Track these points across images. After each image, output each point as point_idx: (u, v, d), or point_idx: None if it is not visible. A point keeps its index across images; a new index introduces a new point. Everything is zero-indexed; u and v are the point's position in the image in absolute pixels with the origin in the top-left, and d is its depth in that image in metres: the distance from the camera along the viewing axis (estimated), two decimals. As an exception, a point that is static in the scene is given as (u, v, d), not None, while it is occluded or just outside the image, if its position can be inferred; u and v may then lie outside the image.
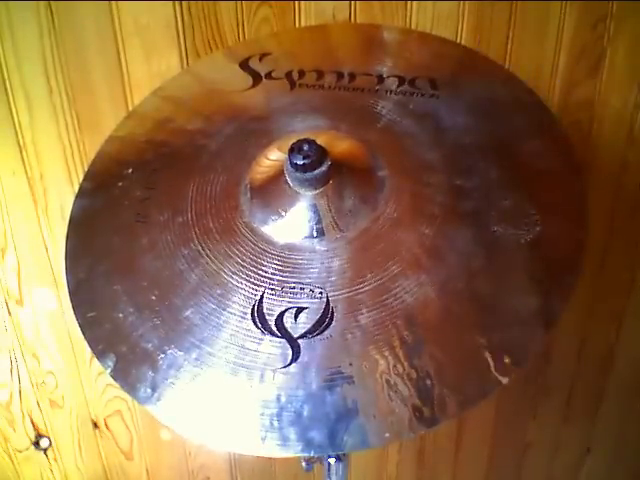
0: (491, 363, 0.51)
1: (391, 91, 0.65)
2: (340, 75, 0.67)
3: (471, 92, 0.66)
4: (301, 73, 0.68)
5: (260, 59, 0.70)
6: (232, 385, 0.53)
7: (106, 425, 1.03)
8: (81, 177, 0.84)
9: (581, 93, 0.93)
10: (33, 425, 1.01)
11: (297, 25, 0.82)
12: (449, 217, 0.57)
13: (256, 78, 0.68)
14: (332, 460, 0.71)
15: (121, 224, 0.63)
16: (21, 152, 0.82)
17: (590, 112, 0.95)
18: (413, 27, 0.85)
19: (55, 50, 0.77)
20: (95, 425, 1.03)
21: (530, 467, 1.26)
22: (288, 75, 0.68)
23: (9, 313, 0.92)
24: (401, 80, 0.65)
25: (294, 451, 0.50)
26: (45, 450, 1.04)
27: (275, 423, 0.51)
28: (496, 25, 0.87)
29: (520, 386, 1.14)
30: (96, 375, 0.98)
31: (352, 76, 0.67)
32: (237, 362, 0.53)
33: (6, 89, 0.78)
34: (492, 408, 1.16)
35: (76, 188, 0.85)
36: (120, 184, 0.65)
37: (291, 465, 1.12)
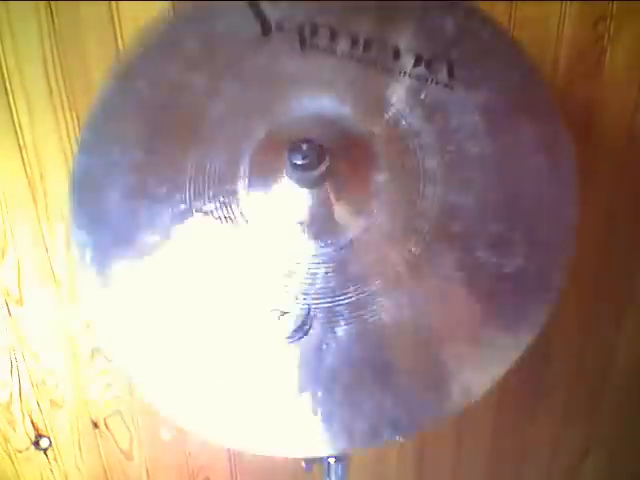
0: (449, 392, 0.52)
1: (405, 72, 0.61)
2: (355, 41, 0.62)
3: (487, 88, 0.62)
4: (314, 29, 0.63)
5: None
6: (210, 372, 0.55)
7: (106, 425, 1.03)
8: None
9: (581, 93, 0.93)
10: (33, 425, 1.01)
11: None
12: (437, 236, 0.56)
13: (265, 27, 0.63)
14: (332, 460, 0.71)
15: (117, 192, 0.61)
16: (21, 152, 0.82)
17: (590, 112, 0.95)
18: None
19: (55, 50, 0.77)
20: (95, 425, 1.03)
21: (530, 467, 1.26)
22: (300, 30, 0.63)
23: (9, 313, 0.92)
24: (418, 59, 0.62)
25: (237, 444, 0.52)
26: (45, 450, 1.04)
27: (234, 413, 0.53)
28: (496, 25, 0.87)
29: (520, 386, 1.14)
30: (96, 375, 0.98)
31: (367, 44, 0.62)
32: (225, 343, 0.55)
33: (6, 89, 0.78)
34: (492, 408, 1.16)
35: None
36: (119, 141, 0.62)
37: (291, 465, 1.11)
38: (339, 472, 0.72)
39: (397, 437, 0.50)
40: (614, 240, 1.05)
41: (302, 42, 0.62)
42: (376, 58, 0.62)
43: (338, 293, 0.54)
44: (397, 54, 0.62)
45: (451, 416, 0.52)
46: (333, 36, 0.62)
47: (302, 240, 0.56)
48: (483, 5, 0.85)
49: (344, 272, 0.55)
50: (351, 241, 0.56)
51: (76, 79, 0.80)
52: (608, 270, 1.06)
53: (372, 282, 0.54)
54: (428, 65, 0.62)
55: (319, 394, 0.52)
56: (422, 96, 0.61)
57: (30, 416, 1.00)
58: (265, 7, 0.63)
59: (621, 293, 1.10)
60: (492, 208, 0.58)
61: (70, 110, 0.81)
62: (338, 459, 0.71)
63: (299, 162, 0.55)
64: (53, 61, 0.78)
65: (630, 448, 1.26)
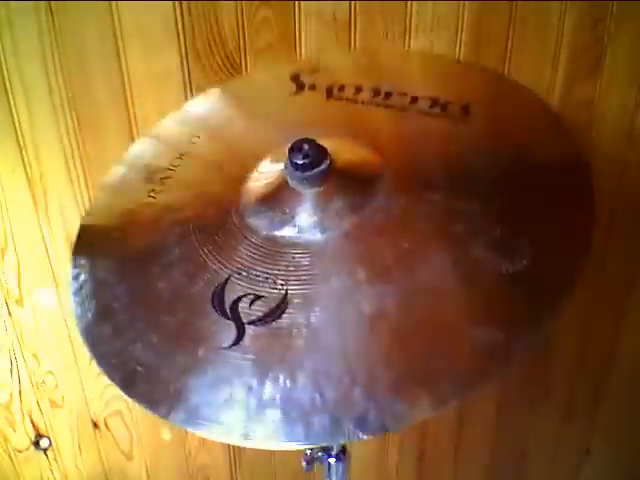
0: (421, 395, 0.49)
1: (421, 111, 0.65)
2: (377, 92, 0.67)
3: (501, 123, 0.65)
4: (341, 88, 0.69)
5: (312, 72, 0.72)
6: (172, 353, 0.54)
7: (106, 425, 1.03)
8: (81, 177, 0.85)
9: (581, 93, 0.93)
10: (33, 425, 1.01)
11: (297, 25, 0.82)
12: (435, 236, 0.55)
13: (299, 88, 0.70)
14: (332, 460, 0.71)
15: (135, 196, 0.65)
16: (21, 152, 0.82)
17: (590, 112, 0.95)
18: (413, 28, 0.85)
19: (55, 50, 0.77)
20: (95, 425, 1.03)
21: (530, 468, 1.26)
22: (328, 88, 0.69)
23: (9, 313, 0.92)
24: (434, 102, 0.65)
25: (203, 430, 0.51)
26: (45, 450, 1.04)
27: (193, 397, 0.52)
28: (496, 26, 0.87)
29: (520, 386, 1.14)
30: (96, 375, 0.98)
31: (388, 94, 0.67)
32: (182, 332, 0.54)
33: (6, 89, 0.78)
34: (492, 408, 1.17)
35: (76, 188, 0.85)
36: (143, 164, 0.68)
37: (291, 465, 1.12)
38: (339, 472, 0.72)
39: (361, 435, 0.49)
40: (614, 240, 1.05)
41: (329, 95, 0.68)
42: (394, 103, 0.66)
43: (319, 280, 0.54)
44: (415, 100, 0.66)
45: (420, 418, 0.50)
46: (357, 91, 0.68)
47: (293, 232, 0.57)
48: (484, 6, 0.85)
49: (329, 262, 0.55)
50: (342, 234, 0.56)
51: (76, 79, 0.80)
52: (608, 270, 1.07)
53: (357, 273, 0.54)
54: (444, 107, 0.64)
55: (280, 379, 0.50)
56: (435, 126, 0.63)
57: (30, 416, 1.00)
58: (304, 77, 0.71)
59: (621, 293, 1.10)
60: (498, 215, 0.57)
61: (70, 110, 0.81)
62: (339, 459, 0.71)
63: (299, 161, 0.55)
64: (53, 61, 0.78)
65: (630, 448, 1.27)
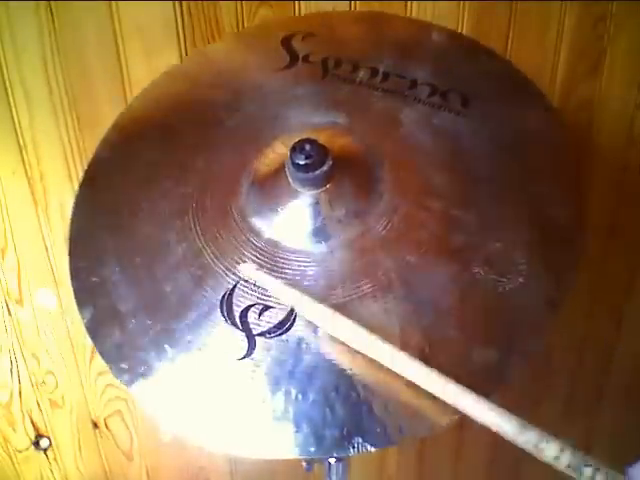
0: (429, 406, 0.50)
1: (420, 100, 0.63)
2: (374, 72, 0.66)
3: (500, 118, 0.64)
4: (337, 62, 0.67)
5: (303, 38, 0.69)
6: (184, 363, 0.54)
7: (106, 425, 1.03)
8: (81, 177, 0.85)
9: (581, 93, 0.94)
10: (33, 425, 1.01)
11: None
12: (435, 248, 0.55)
13: (293, 59, 0.68)
14: (332, 460, 0.71)
15: (129, 182, 0.64)
16: (21, 152, 0.82)
17: (590, 112, 0.95)
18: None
19: (55, 50, 0.77)
20: (95, 425, 1.03)
21: (530, 467, 1.26)
22: (324, 62, 0.67)
23: (9, 313, 0.92)
24: (433, 90, 0.64)
25: (202, 442, 0.52)
26: (45, 450, 1.04)
27: (203, 409, 0.52)
28: (496, 25, 0.87)
29: (520, 385, 1.14)
30: (96, 375, 0.98)
31: (386, 75, 0.65)
32: (194, 342, 0.54)
33: (6, 89, 0.78)
34: (492, 408, 1.16)
35: (76, 188, 0.85)
36: (140, 140, 0.66)
37: (291, 465, 1.11)
38: (340, 472, 0.71)
39: (369, 447, 0.49)
40: (614, 240, 1.05)
41: (325, 72, 0.66)
42: (393, 87, 0.65)
43: (325, 293, 0.53)
44: (414, 84, 0.65)
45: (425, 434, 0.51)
46: (355, 68, 0.66)
47: (296, 236, 0.56)
48: (484, 6, 0.85)
49: (335, 272, 0.55)
50: (346, 243, 0.56)
51: (76, 79, 0.80)
52: (608, 270, 1.07)
53: (362, 286, 0.54)
54: (443, 95, 0.64)
55: (292, 393, 0.51)
56: (434, 121, 0.62)
57: (30, 416, 1.00)
58: (296, 44, 0.68)
59: (621, 293, 1.11)
60: (495, 225, 0.57)
61: (70, 110, 0.81)
62: (339, 459, 0.71)
63: (301, 162, 0.55)
64: (53, 61, 0.78)
65: (631, 447, 1.26)
